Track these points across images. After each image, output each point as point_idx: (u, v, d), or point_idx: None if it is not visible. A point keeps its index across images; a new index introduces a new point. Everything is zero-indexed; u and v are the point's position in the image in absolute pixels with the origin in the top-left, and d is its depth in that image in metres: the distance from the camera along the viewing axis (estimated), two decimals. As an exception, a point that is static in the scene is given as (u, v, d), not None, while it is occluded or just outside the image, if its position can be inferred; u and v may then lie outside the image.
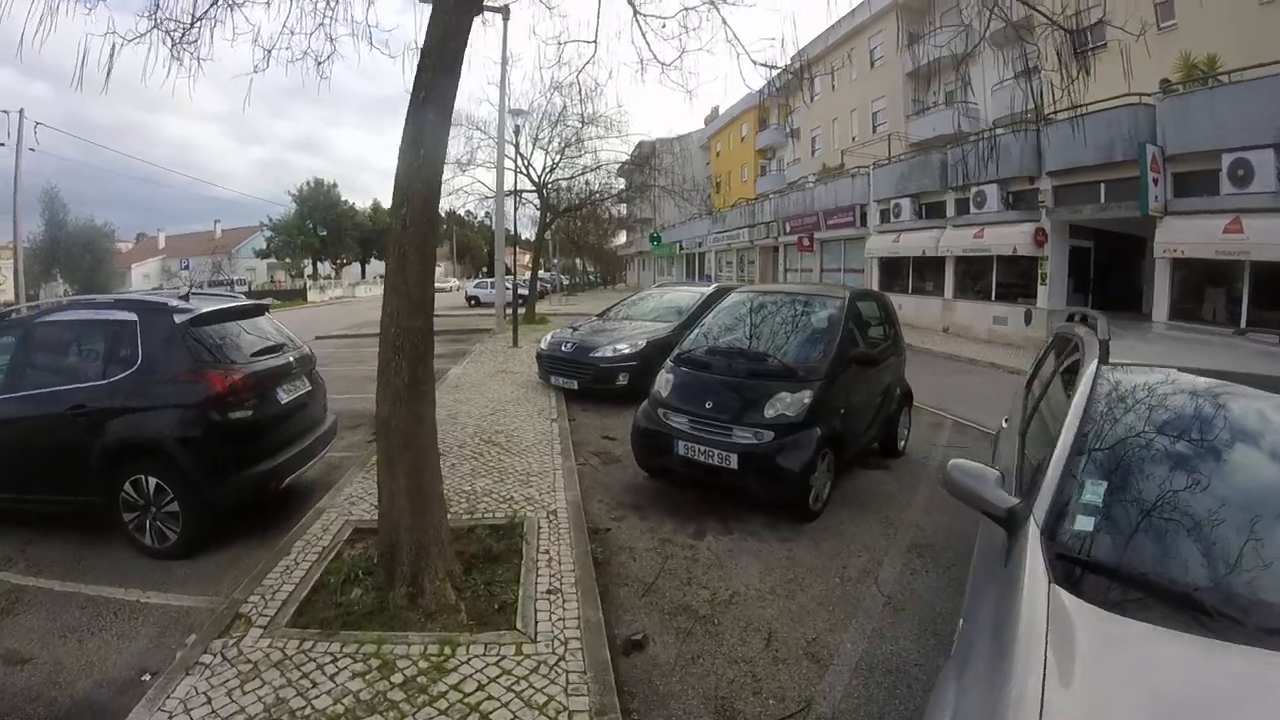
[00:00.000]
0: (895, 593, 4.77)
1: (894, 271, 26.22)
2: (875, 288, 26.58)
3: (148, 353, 5.32)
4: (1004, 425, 5.22)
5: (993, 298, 21.24)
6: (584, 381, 10.33)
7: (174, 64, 5.22)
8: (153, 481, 5.18)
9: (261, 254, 65.72)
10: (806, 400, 5.87)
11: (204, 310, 5.70)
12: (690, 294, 12.34)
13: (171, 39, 5.19)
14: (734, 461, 5.79)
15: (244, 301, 6.71)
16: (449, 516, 5.05)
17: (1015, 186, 20.37)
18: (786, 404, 5.85)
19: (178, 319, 5.46)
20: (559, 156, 23.51)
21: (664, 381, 6.57)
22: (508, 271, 21.18)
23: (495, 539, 5.05)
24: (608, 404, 10.29)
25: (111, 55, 4.88)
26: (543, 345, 11.41)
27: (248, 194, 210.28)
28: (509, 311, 17.68)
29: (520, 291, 32.77)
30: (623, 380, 10.21)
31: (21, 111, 25.26)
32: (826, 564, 5.18)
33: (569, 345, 10.77)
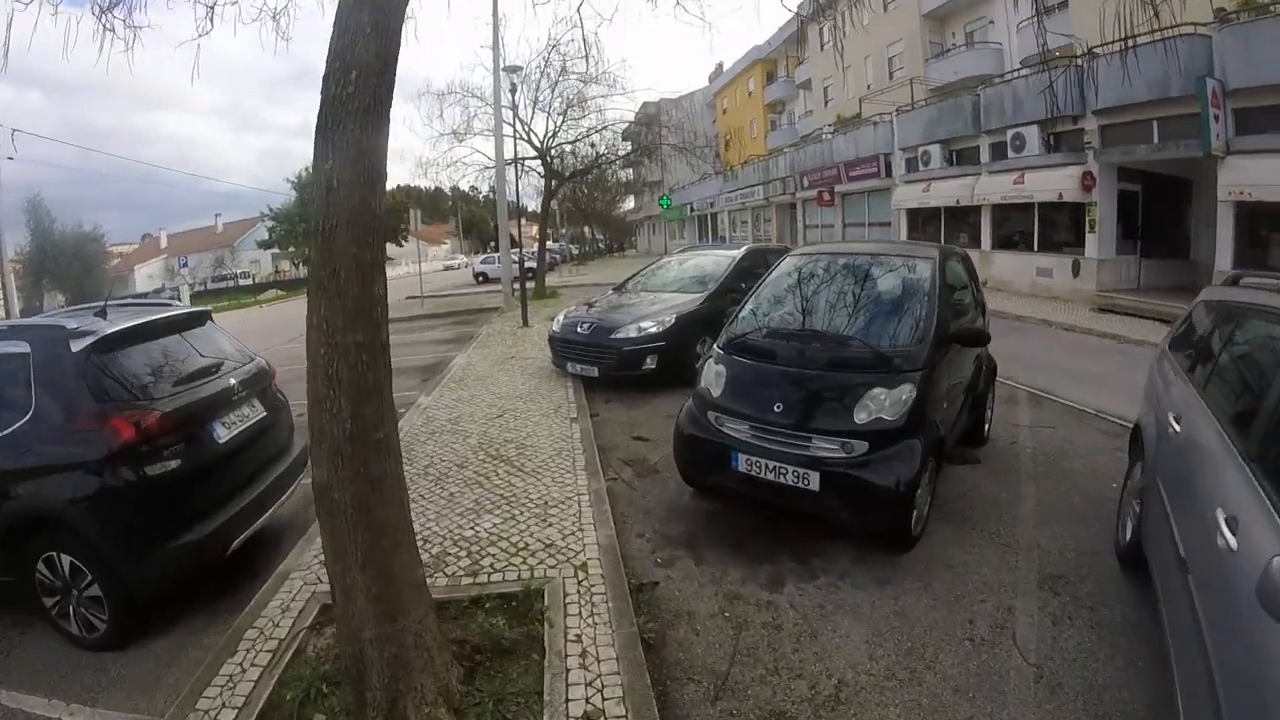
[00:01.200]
0: (1044, 658, 3.49)
1: (924, 223, 24.61)
2: (904, 239, 25.25)
3: (41, 394, 4.02)
4: (1160, 422, 3.99)
5: (1035, 248, 19.70)
6: (606, 368, 8.92)
7: (107, 35, 4.32)
8: (66, 560, 3.95)
9: (264, 245, 64.49)
10: (908, 398, 4.45)
11: (110, 332, 4.29)
12: (719, 258, 10.84)
13: (98, 6, 4.24)
14: (814, 481, 4.39)
15: (175, 310, 5.25)
16: (445, 582, 3.72)
17: (1057, 127, 18.68)
18: (883, 404, 4.44)
19: (75, 346, 4.09)
20: (561, 119, 21.90)
21: (713, 376, 5.13)
22: (514, 244, 19.59)
23: (507, 618, 3.66)
24: (634, 391, 8.93)
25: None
26: (555, 327, 9.98)
27: (250, 186, 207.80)
28: (517, 287, 16.22)
29: (529, 264, 31.45)
30: (650, 364, 8.79)
31: None
32: (946, 618, 3.85)
33: (586, 326, 9.33)
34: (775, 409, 4.59)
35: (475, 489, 5.63)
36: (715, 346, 5.44)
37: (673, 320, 8.95)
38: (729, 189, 42.37)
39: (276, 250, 64.03)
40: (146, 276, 61.22)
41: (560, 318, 10.12)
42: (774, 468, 4.52)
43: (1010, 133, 19.59)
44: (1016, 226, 20.69)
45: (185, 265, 44.63)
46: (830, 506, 4.45)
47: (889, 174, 25.90)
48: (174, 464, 4.18)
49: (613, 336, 8.90)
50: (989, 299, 18.03)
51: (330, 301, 2.70)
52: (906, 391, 4.47)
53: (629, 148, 25.79)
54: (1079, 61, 16.35)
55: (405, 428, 7.72)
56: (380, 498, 2.89)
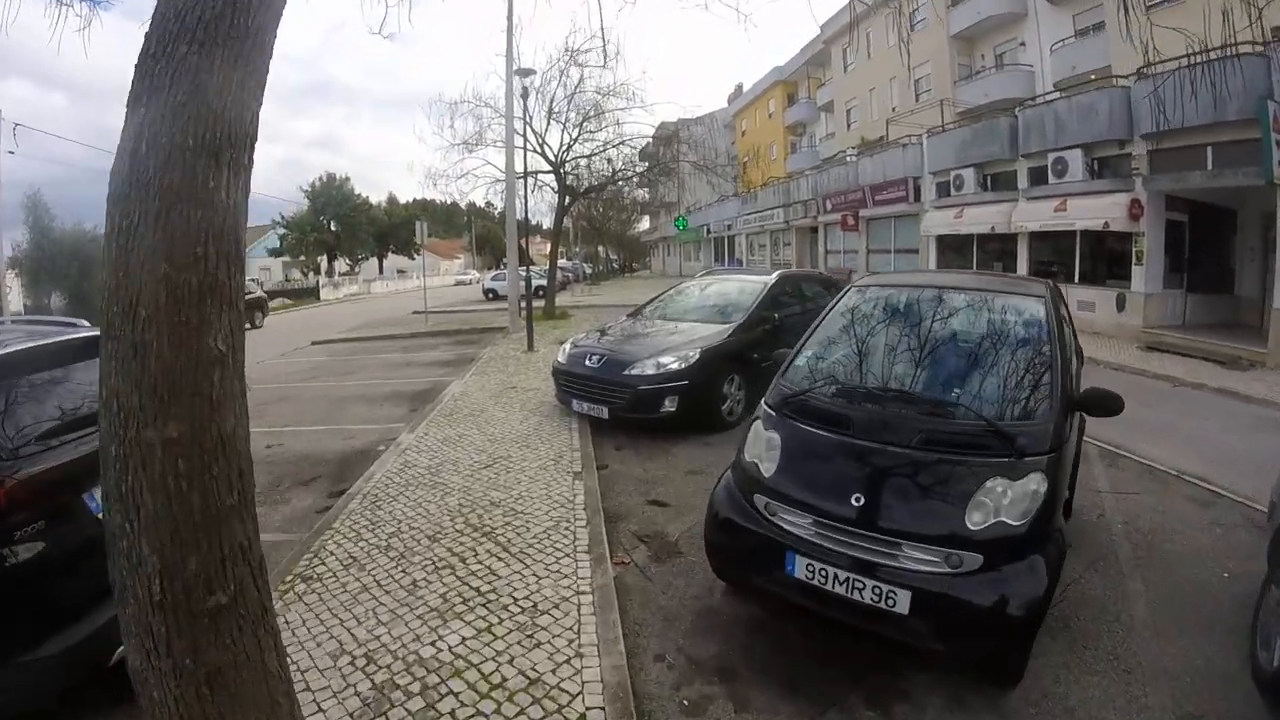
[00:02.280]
0: None
1: (955, 251, 23.42)
2: (933, 269, 24.04)
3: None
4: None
5: (1076, 279, 18.38)
6: (617, 409, 7.64)
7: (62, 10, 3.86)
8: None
9: (274, 252, 63.82)
10: (1038, 492, 3.21)
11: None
12: (747, 284, 9.60)
13: None
14: (903, 602, 3.15)
15: (63, 336, 3.98)
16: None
17: (1102, 151, 17.58)
18: (1005, 501, 3.19)
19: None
20: (577, 131, 20.76)
21: (763, 445, 3.88)
22: (524, 261, 18.43)
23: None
24: (650, 438, 7.68)
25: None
26: (560, 357, 8.70)
27: (266, 194, 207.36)
28: (524, 307, 15.03)
29: (538, 282, 30.29)
30: (670, 406, 7.51)
31: None
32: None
33: (595, 358, 8.07)
34: (853, 501, 3.33)
35: (446, 576, 4.36)
36: (765, 405, 4.18)
37: (697, 355, 7.67)
38: (747, 211, 41.25)
39: (287, 258, 63.33)
40: (159, 280, 60.46)
41: (567, 347, 8.87)
42: (846, 579, 3.28)
43: (1051, 156, 18.48)
44: (1056, 257, 19.45)
45: (189, 271, 43.72)
46: (922, 634, 3.20)
47: (918, 198, 24.79)
48: (32, 548, 3.00)
49: (627, 373, 7.64)
50: None
51: (122, 364, 1.47)
52: (1035, 483, 3.23)
53: (646, 165, 24.65)
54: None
55: (377, 474, 6.51)
56: (230, 705, 1.65)
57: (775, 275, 9.71)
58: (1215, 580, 4.58)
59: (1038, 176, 19.32)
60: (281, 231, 62.80)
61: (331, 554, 4.84)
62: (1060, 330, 4.01)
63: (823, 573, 3.34)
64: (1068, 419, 3.65)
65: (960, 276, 5.41)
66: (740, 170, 42.35)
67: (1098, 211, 16.93)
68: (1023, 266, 20.19)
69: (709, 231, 49.36)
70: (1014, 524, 3.15)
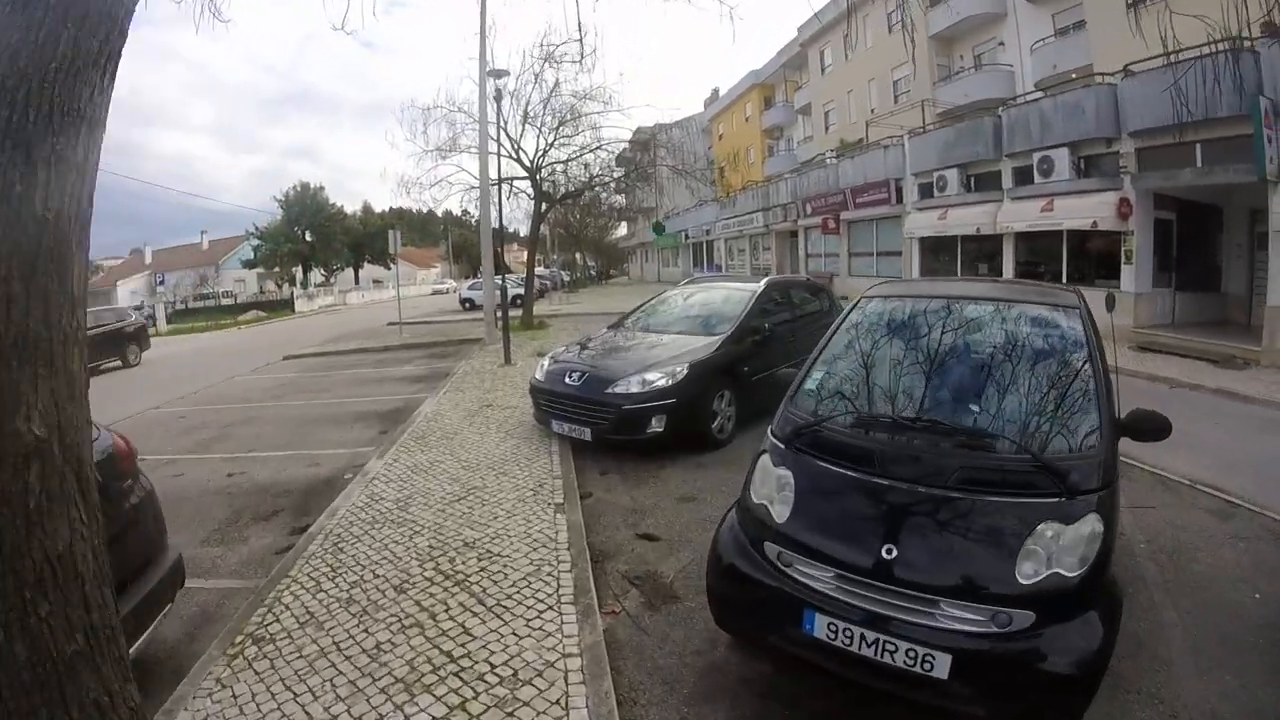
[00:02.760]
0: None
1: (939, 253, 23.26)
2: (916, 272, 23.80)
3: None
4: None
5: (1064, 280, 18.01)
6: (601, 430, 7.13)
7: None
8: None
9: (249, 264, 62.75)
10: (1095, 535, 2.78)
11: None
12: (734, 292, 9.14)
13: None
14: (942, 667, 2.70)
15: None
16: None
17: (1088, 150, 17.38)
18: (1059, 548, 2.77)
19: None
20: (553, 135, 20.26)
21: (773, 484, 3.40)
22: (501, 269, 17.89)
23: None
24: (636, 460, 7.19)
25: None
26: (538, 374, 8.15)
27: (241, 205, 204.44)
28: (501, 317, 14.49)
29: (515, 290, 29.68)
30: (657, 426, 7.02)
31: None
32: None
33: (576, 375, 7.55)
34: (883, 553, 2.86)
35: (414, 637, 3.82)
36: (772, 436, 3.70)
37: (684, 371, 7.18)
38: (726, 216, 40.93)
39: (261, 270, 62.31)
40: (130, 292, 59.10)
41: (545, 363, 8.33)
42: (875, 641, 2.82)
43: (1037, 155, 18.28)
44: (1043, 257, 19.21)
45: (162, 282, 42.80)
46: (964, 699, 2.75)
47: (900, 200, 24.59)
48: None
49: (610, 391, 7.13)
50: None
51: None
52: (1091, 524, 2.79)
53: (623, 171, 24.19)
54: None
55: (342, 509, 5.97)
56: None
57: (763, 282, 9.28)
58: (1249, 603, 4.30)
59: (1023, 176, 19.11)
60: (255, 243, 61.76)
61: (287, 608, 4.31)
62: (1099, 347, 3.58)
63: (847, 633, 2.88)
64: (1116, 447, 3.22)
65: (982, 285, 4.95)
66: (718, 175, 42.05)
67: (1086, 211, 16.72)
68: (1008, 268, 19.99)
69: (687, 237, 49.08)
70: (1069, 574, 2.71)
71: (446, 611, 4.10)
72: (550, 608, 4.10)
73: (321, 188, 64.89)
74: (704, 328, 8.45)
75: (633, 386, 7.06)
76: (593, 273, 67.34)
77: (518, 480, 6.40)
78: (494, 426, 8.52)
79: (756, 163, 48.26)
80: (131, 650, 3.53)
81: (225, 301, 53.31)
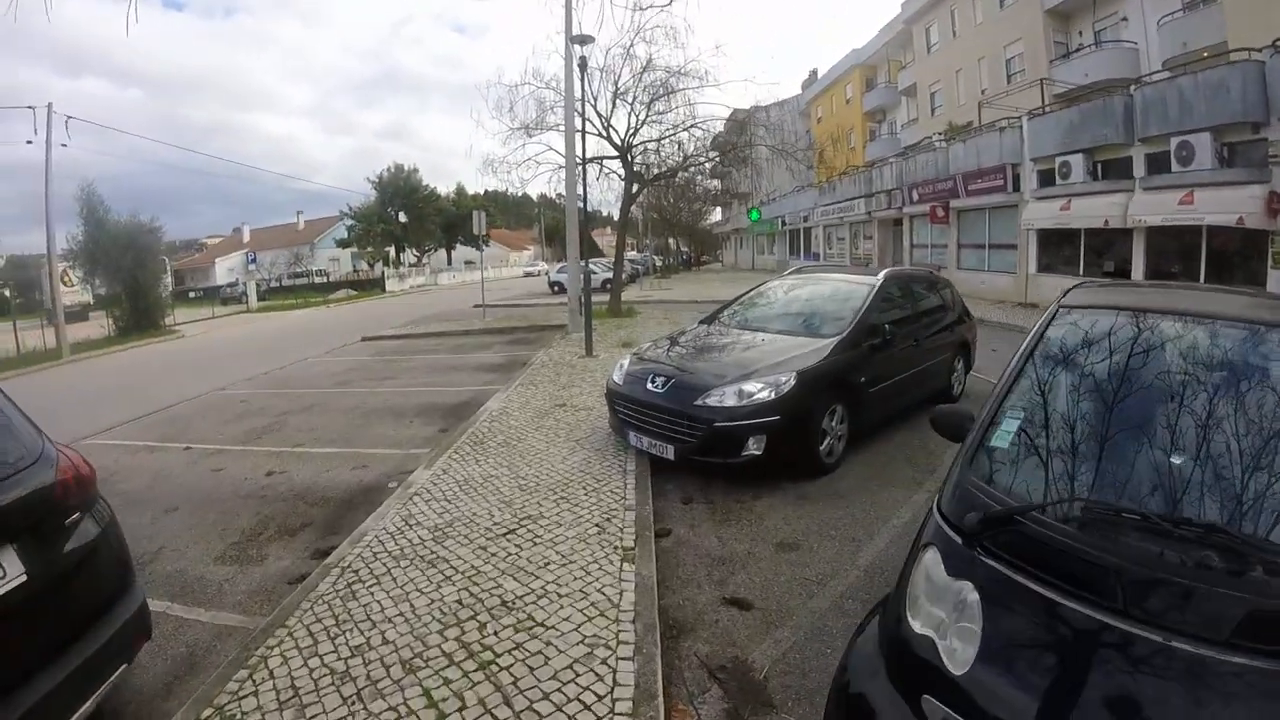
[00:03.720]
0: None
1: (1059, 247, 21.10)
2: (1033, 268, 21.74)
3: None
4: None
5: (1202, 281, 15.82)
6: (687, 448, 5.89)
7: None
8: None
9: (343, 243, 63.97)
10: None
11: None
12: (847, 286, 7.76)
13: None
14: None
15: None
16: None
17: (1233, 136, 15.21)
18: None
19: None
20: (645, 111, 19.01)
21: (946, 605, 2.08)
22: (587, 252, 16.80)
23: None
24: (726, 484, 5.95)
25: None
26: (617, 377, 6.91)
27: (335, 186, 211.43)
28: (584, 303, 13.42)
29: (604, 275, 28.61)
30: (755, 449, 5.74)
31: (50, 106, 22.99)
32: None
33: (660, 381, 6.30)
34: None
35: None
36: (941, 521, 2.40)
37: (792, 382, 5.85)
38: (825, 202, 38.96)
39: (355, 249, 63.43)
40: (227, 269, 61.51)
41: (626, 363, 7.10)
42: None
43: (1175, 141, 16.09)
44: (1178, 255, 17.05)
45: (253, 261, 43.69)
46: None
47: (1016, 188, 22.42)
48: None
49: (700, 402, 5.85)
50: None
51: None
52: None
53: (719, 154, 22.74)
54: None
55: (370, 534, 4.95)
56: None
57: (881, 275, 7.84)
58: None
59: (1157, 164, 17.01)
60: (349, 223, 62.83)
61: (271, 675, 3.32)
62: None
63: None
64: None
65: (1223, 297, 3.40)
66: (818, 157, 40.11)
67: (1230, 205, 14.65)
68: (1139, 267, 17.85)
69: (784, 223, 47.26)
70: None
71: (460, 713, 2.96)
72: (605, 711, 2.92)
73: (415, 169, 65.56)
74: (812, 327, 7.09)
75: (728, 399, 5.77)
76: (683, 258, 66.08)
77: (582, 509, 5.22)
78: (563, 433, 7.37)
79: (857, 147, 45.91)
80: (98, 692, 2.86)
81: (318, 280, 54.41)
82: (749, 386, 5.80)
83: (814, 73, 55.77)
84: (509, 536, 4.75)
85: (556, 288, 35.40)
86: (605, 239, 72.03)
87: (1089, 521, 2.13)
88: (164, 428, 9.69)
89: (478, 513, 5.22)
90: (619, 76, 18.75)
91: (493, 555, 4.48)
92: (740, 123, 21.71)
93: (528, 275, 66.88)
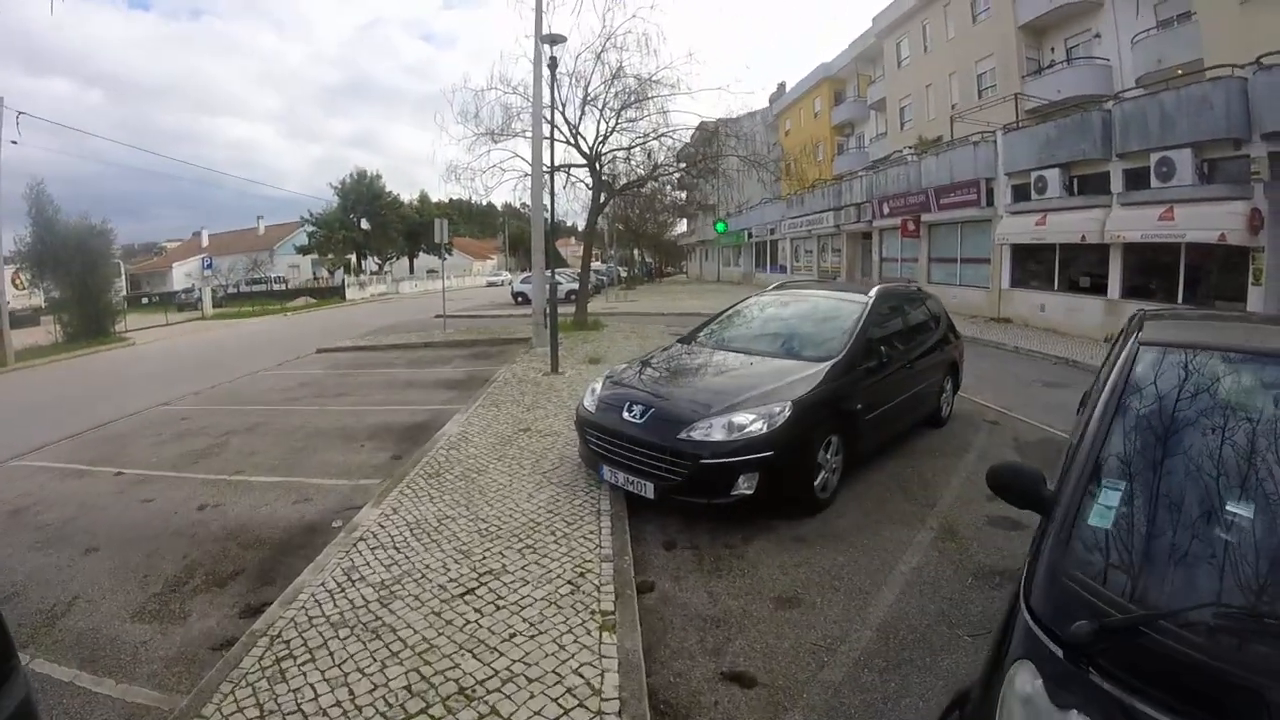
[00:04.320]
0: None
1: (1034, 263, 20.87)
2: (1006, 282, 21.56)
3: None
4: None
5: (1179, 301, 15.69)
6: (669, 486, 5.26)
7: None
8: None
9: (303, 250, 62.41)
10: None
11: None
12: (835, 304, 7.23)
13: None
14: None
15: None
16: None
17: (1214, 152, 15.01)
18: None
19: None
20: (615, 118, 18.42)
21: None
22: (552, 262, 16.09)
23: None
24: (711, 525, 5.35)
25: None
26: (588, 403, 6.27)
27: (300, 192, 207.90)
28: (549, 315, 12.75)
29: (569, 286, 27.90)
30: (745, 487, 5.14)
31: (0, 101, 21.57)
32: None
33: (638, 409, 5.66)
34: None
35: None
36: (1032, 621, 1.82)
37: (787, 412, 5.26)
38: (793, 215, 38.72)
39: (316, 256, 61.92)
40: (185, 274, 59.64)
41: (598, 387, 6.45)
42: None
43: (1155, 157, 15.84)
44: (1156, 273, 16.78)
45: (209, 266, 42.20)
46: None
47: (989, 202, 22.23)
48: None
49: (685, 436, 5.24)
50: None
51: None
52: None
53: (687, 164, 22.22)
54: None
55: (306, 592, 4.27)
56: None
57: (874, 292, 7.33)
58: None
59: (1135, 180, 16.78)
60: (310, 229, 61.34)
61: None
62: None
63: None
64: None
65: None
66: (785, 169, 39.88)
67: (1211, 221, 14.41)
68: (1115, 284, 17.64)
69: (750, 236, 46.99)
70: None
71: None
72: None
73: (378, 175, 64.14)
74: (801, 349, 6.53)
75: (715, 432, 5.17)
76: (649, 269, 65.63)
77: (552, 561, 4.56)
78: (529, 464, 6.70)
79: (825, 160, 45.86)
80: None
81: (277, 287, 52.91)
82: (739, 418, 5.20)
83: (782, 85, 55.83)
84: (467, 598, 4.08)
85: (520, 298, 34.64)
86: (569, 249, 71.30)
87: (1232, 631, 1.57)
88: (98, 448, 8.92)
89: (431, 565, 4.54)
90: (589, 82, 18.18)
91: (448, 623, 3.80)
92: (709, 134, 21.20)
93: (491, 285, 65.89)
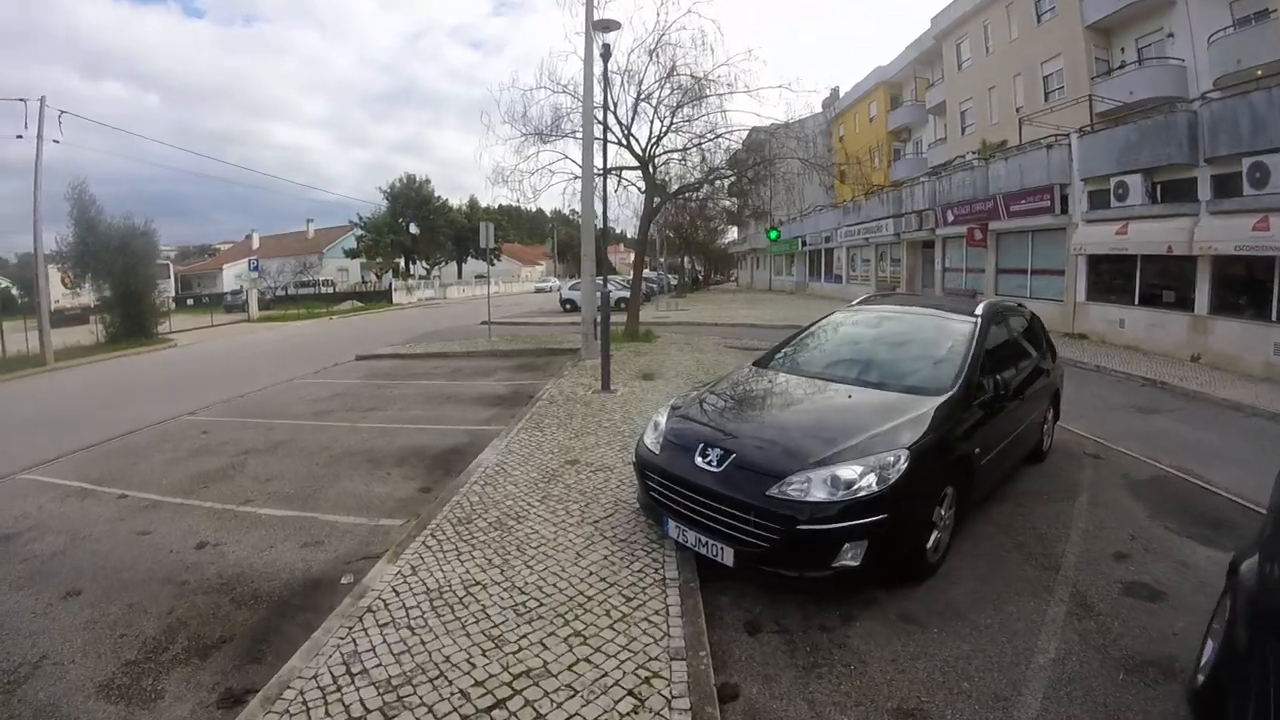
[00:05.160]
0: None
1: (1113, 275, 19.33)
2: (1082, 295, 20.09)
3: None
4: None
5: (1274, 318, 14.37)
6: (753, 554, 4.15)
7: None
8: None
9: (351, 253, 62.58)
10: None
11: None
12: (939, 323, 6.11)
13: None
14: None
15: None
16: None
17: None
18: None
19: None
20: (670, 117, 17.33)
21: None
22: (604, 268, 15.01)
23: None
24: (801, 602, 4.29)
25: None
26: (650, 439, 5.20)
27: (351, 196, 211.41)
28: (600, 325, 11.78)
29: (619, 293, 26.90)
30: (851, 558, 4.03)
31: (43, 100, 21.73)
32: None
33: (714, 453, 4.55)
34: None
35: None
36: None
37: (904, 464, 4.16)
38: (849, 222, 37.38)
39: (364, 260, 62.07)
40: (235, 276, 60.25)
41: (662, 420, 5.35)
42: None
43: (1247, 162, 14.44)
44: (1249, 287, 15.33)
45: (256, 269, 42.19)
46: None
47: (1064, 210, 20.77)
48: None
49: (776, 492, 4.13)
50: (1199, 374, 13.46)
51: None
52: None
53: (743, 168, 21.02)
54: None
55: (294, 690, 3.34)
56: None
57: (981, 308, 6.21)
58: None
59: (1225, 187, 15.42)
60: (359, 232, 61.50)
61: None
62: None
63: None
64: None
65: None
66: (837, 178, 38.47)
67: (1312, 233, 13.01)
68: (1202, 299, 16.12)
69: (804, 244, 45.63)
70: None
71: None
72: None
73: (427, 180, 64.15)
74: (903, 379, 5.41)
75: (815, 489, 4.08)
76: (699, 277, 64.59)
77: (606, 658, 3.52)
78: (576, 510, 5.66)
79: (882, 167, 44.35)
80: None
81: (325, 290, 52.94)
82: (845, 472, 4.11)
83: (835, 91, 54.37)
84: (497, 713, 3.08)
85: (568, 305, 33.81)
86: (618, 256, 70.51)
87: None
88: (109, 463, 8.25)
89: (453, 657, 3.54)
90: (642, 80, 17.13)
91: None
92: (764, 138, 19.96)
93: (539, 291, 65.47)
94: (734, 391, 5.78)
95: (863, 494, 4.03)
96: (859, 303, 7.41)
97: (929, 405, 4.83)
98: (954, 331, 5.85)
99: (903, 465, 4.15)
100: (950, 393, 5.01)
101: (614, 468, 6.70)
